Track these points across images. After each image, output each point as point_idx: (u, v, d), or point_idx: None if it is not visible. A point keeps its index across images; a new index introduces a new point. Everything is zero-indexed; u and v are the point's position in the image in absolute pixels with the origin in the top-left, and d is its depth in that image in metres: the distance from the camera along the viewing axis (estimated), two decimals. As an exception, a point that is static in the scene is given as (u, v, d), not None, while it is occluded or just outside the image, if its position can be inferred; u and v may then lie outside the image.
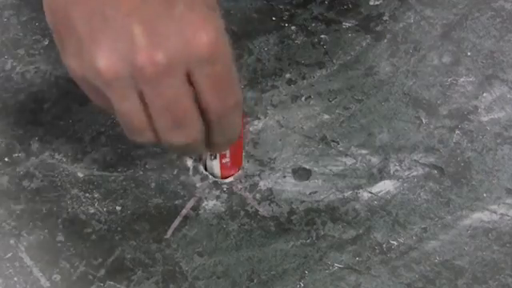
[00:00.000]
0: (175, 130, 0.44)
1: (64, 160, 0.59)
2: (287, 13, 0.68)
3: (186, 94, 0.42)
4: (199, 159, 0.58)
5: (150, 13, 0.40)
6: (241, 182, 0.58)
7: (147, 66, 0.40)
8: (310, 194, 0.57)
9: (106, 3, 0.40)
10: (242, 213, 0.56)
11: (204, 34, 0.41)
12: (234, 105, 0.45)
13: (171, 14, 0.40)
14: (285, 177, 0.58)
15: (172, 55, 0.40)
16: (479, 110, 0.62)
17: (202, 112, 0.44)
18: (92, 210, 0.56)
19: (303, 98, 0.62)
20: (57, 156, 0.59)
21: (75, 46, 0.41)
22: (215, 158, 0.56)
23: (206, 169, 0.58)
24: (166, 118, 0.43)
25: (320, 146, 0.60)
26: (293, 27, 0.67)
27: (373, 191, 0.57)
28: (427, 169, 0.58)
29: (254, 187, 0.57)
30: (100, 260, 0.54)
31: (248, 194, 0.57)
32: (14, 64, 0.65)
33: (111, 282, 0.53)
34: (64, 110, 0.62)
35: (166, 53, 0.40)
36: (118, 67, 0.40)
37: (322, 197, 0.57)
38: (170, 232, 0.55)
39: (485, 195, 0.57)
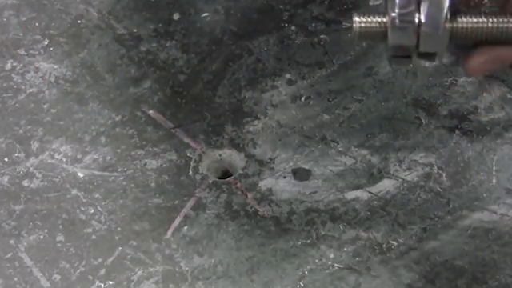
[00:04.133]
0: None
1: (64, 160, 0.59)
2: (287, 13, 0.68)
3: None
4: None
5: None
6: (241, 181, 0.58)
7: None
8: (309, 193, 0.57)
9: None
10: (242, 213, 0.56)
11: None
12: None
13: None
14: (285, 177, 0.58)
15: None
16: (479, 110, 0.62)
17: None
18: (92, 210, 0.56)
19: (303, 98, 0.62)
20: (57, 156, 0.59)
21: None
22: None
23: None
24: None
25: (320, 146, 0.60)
26: (293, 27, 0.67)
27: (373, 191, 0.57)
28: (427, 169, 0.58)
29: (253, 187, 0.57)
30: (100, 260, 0.54)
31: (248, 193, 0.57)
32: (14, 64, 0.65)
33: (111, 282, 0.53)
34: (64, 110, 0.62)
35: None
36: None
37: (322, 197, 0.57)
38: (170, 232, 0.55)
39: (485, 195, 0.57)
